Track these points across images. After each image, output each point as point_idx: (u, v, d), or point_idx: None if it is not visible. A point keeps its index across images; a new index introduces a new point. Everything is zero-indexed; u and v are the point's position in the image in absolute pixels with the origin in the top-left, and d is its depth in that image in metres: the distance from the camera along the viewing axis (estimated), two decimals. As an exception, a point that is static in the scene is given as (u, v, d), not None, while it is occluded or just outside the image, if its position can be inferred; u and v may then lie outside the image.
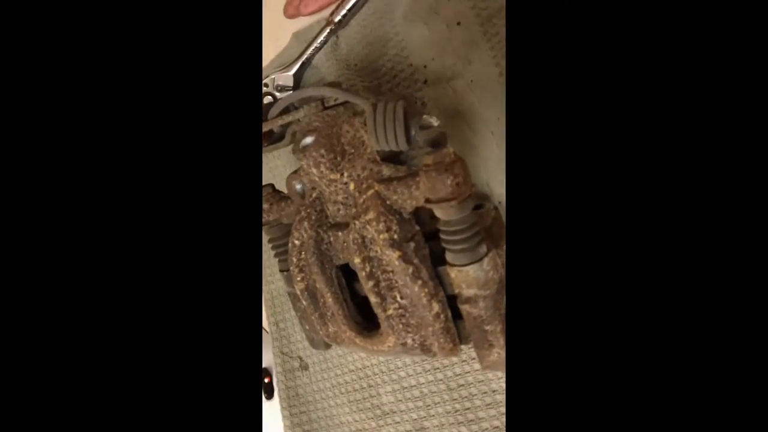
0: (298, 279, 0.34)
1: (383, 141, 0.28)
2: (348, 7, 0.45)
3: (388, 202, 0.29)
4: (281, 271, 0.37)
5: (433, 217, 0.29)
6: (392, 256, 0.28)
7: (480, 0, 0.37)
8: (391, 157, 0.30)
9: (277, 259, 0.38)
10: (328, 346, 0.39)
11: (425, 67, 0.40)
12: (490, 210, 0.34)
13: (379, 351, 0.32)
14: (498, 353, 0.29)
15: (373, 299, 0.30)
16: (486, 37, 0.37)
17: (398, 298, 0.30)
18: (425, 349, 0.31)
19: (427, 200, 0.27)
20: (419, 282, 0.28)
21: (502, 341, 0.29)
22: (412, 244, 0.29)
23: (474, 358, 0.37)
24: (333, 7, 0.46)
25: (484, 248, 0.28)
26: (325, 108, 0.31)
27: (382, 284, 0.30)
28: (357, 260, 0.29)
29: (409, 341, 0.31)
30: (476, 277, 0.27)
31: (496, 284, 0.28)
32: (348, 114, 0.30)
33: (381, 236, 0.28)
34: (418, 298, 0.28)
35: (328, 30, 0.46)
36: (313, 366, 0.47)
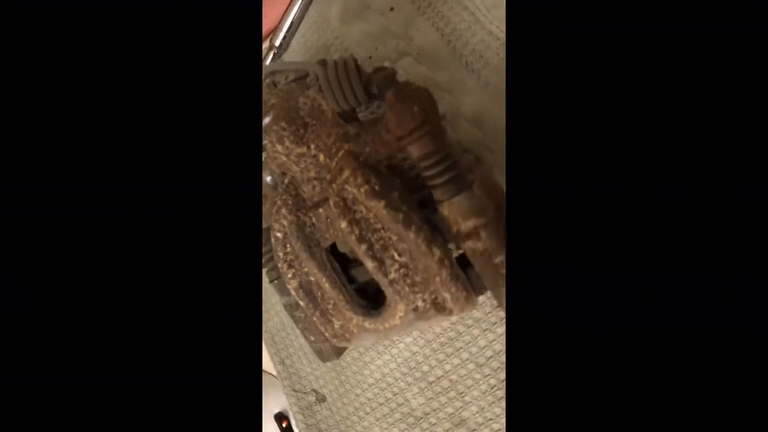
0: (290, 276, 0.32)
1: (341, 98, 0.27)
2: (285, 29, 0.46)
3: (361, 159, 0.28)
4: (271, 281, 0.35)
5: (413, 168, 0.28)
6: (378, 207, 0.26)
7: (406, -21, 0.39)
8: (354, 117, 0.29)
9: (267, 276, 0.35)
10: (339, 353, 0.35)
11: (370, 57, 0.41)
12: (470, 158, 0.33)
13: (393, 327, 0.30)
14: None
15: (370, 265, 0.28)
16: (420, 11, 0.38)
17: (396, 257, 0.28)
18: (439, 307, 0.28)
19: (399, 139, 0.26)
20: (413, 227, 0.26)
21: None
22: (395, 193, 0.27)
23: (495, 323, 0.34)
24: (271, 33, 0.47)
25: (469, 176, 0.26)
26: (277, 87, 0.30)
27: (376, 246, 0.28)
28: (343, 224, 0.28)
29: (420, 303, 0.28)
30: (470, 205, 0.26)
31: (493, 210, 0.26)
32: (301, 88, 0.30)
33: (362, 189, 0.27)
34: (416, 246, 0.27)
35: (271, 55, 0.47)
36: (330, 395, 0.43)
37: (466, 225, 0.26)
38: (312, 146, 0.29)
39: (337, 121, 0.29)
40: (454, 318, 0.29)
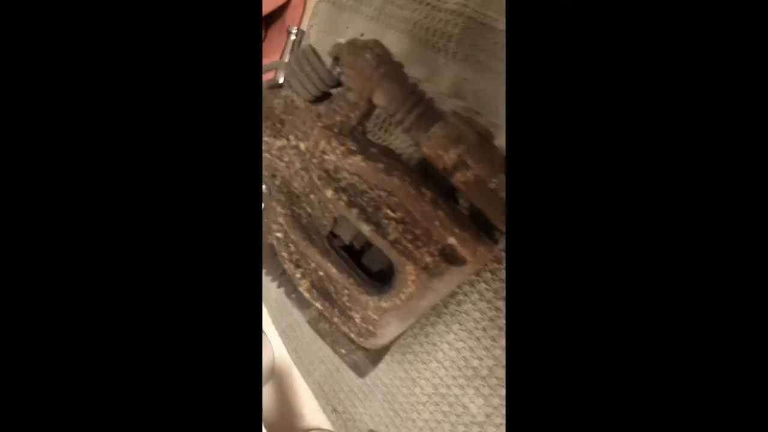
0: (299, 276, 0.30)
1: (310, 85, 0.28)
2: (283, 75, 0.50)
3: (335, 128, 0.28)
4: (289, 296, 0.33)
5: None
6: (356, 162, 0.26)
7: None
8: (325, 99, 0.30)
9: (283, 290, 0.34)
10: (374, 359, 0.32)
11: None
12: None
13: (410, 297, 0.27)
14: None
15: (366, 230, 0.27)
16: (385, 25, 0.41)
17: (390, 213, 0.26)
18: (449, 257, 0.26)
19: (362, 93, 0.26)
20: (396, 173, 0.25)
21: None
22: (374, 149, 0.27)
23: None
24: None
25: (440, 108, 0.26)
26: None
27: (368, 209, 0.27)
28: (329, 194, 0.27)
29: (428, 259, 0.26)
30: (447, 133, 0.25)
31: (474, 136, 0.25)
32: (274, 93, 0.31)
33: (338, 152, 0.26)
34: (405, 191, 0.25)
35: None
36: (388, 428, 0.38)
37: (450, 157, 0.25)
38: (291, 137, 0.30)
39: (309, 107, 0.30)
40: (472, 269, 0.26)
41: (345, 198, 0.27)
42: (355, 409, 0.41)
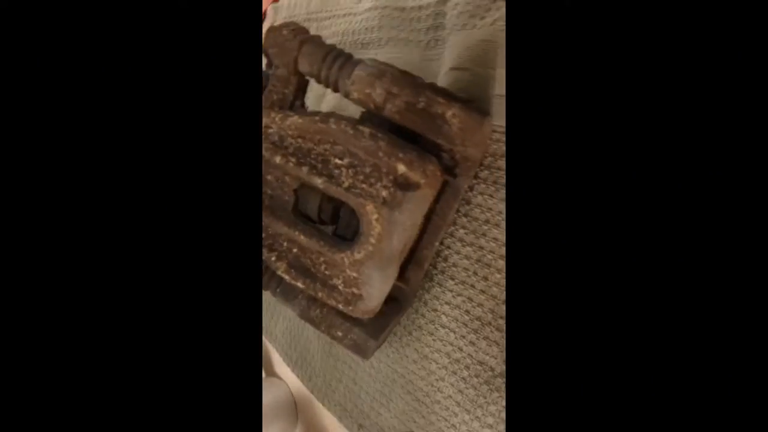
0: (274, 259, 0.31)
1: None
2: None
3: (277, 107, 0.30)
4: (274, 292, 0.33)
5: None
6: (294, 122, 0.27)
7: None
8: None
9: (269, 290, 0.34)
10: (373, 333, 0.31)
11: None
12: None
13: (380, 238, 0.27)
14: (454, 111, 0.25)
15: (320, 182, 0.27)
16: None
17: (338, 161, 0.27)
18: (403, 184, 0.26)
19: (287, 65, 0.28)
20: (332, 120, 0.27)
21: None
22: (308, 109, 0.28)
23: (504, 211, 0.31)
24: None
25: (357, 58, 0.28)
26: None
27: (318, 165, 0.28)
28: (278, 159, 0.28)
29: (384, 193, 0.27)
30: (368, 73, 0.27)
31: (393, 70, 0.27)
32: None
33: (276, 119, 0.28)
34: (346, 135, 0.26)
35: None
36: (417, 423, 0.36)
37: (377, 92, 0.26)
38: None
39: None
40: (428, 192, 0.27)
41: (293, 159, 0.28)
42: (379, 417, 0.38)
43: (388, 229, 0.27)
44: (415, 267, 0.35)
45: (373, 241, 0.27)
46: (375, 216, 0.27)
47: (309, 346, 0.46)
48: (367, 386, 0.40)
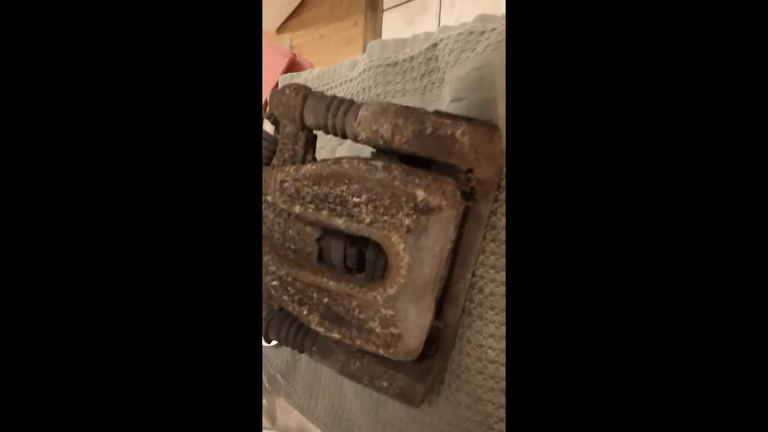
0: (306, 314, 0.30)
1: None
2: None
3: (289, 163, 0.30)
4: (310, 352, 0.32)
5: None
6: (308, 170, 0.28)
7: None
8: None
9: (302, 350, 0.33)
10: (419, 377, 0.29)
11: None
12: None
13: (409, 269, 0.26)
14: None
15: (342, 223, 0.27)
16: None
17: (356, 200, 0.27)
18: (425, 209, 0.26)
19: (293, 120, 0.30)
20: (344, 161, 0.27)
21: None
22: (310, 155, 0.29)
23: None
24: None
25: (360, 102, 0.29)
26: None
27: (337, 207, 0.28)
28: (297, 209, 0.28)
29: (407, 221, 0.26)
30: (374, 110, 0.28)
31: (393, 105, 0.28)
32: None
33: (292, 170, 0.29)
34: (360, 172, 0.27)
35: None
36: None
37: (384, 129, 0.27)
38: (268, 197, 0.32)
39: (265, 168, 0.33)
40: (451, 213, 0.26)
41: (312, 206, 0.28)
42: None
43: (417, 256, 0.26)
44: (450, 304, 0.33)
45: (403, 272, 0.27)
46: (401, 246, 0.26)
47: (354, 419, 0.43)
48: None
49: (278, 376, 0.51)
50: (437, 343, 0.33)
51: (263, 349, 0.53)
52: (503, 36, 0.30)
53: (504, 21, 0.31)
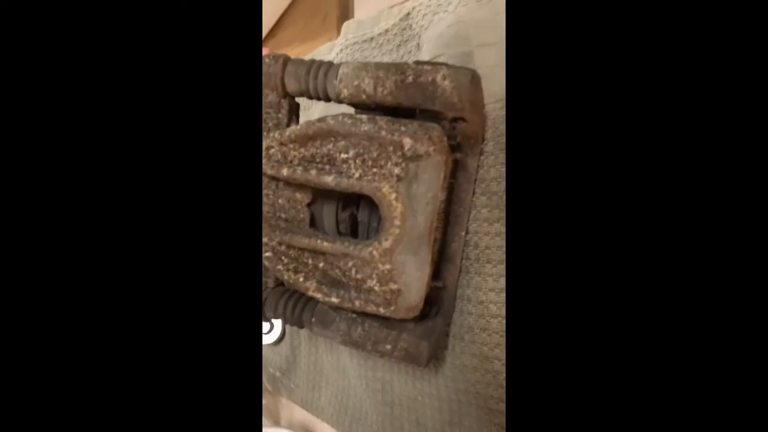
0: (302, 281, 0.29)
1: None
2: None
3: (274, 130, 0.30)
4: (309, 326, 0.31)
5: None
6: (292, 130, 0.28)
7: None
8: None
9: (302, 325, 0.32)
10: (424, 335, 0.29)
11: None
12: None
13: (403, 217, 0.26)
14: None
15: (332, 180, 0.27)
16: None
17: (343, 156, 0.27)
18: (414, 156, 0.26)
19: (275, 87, 0.30)
20: (328, 118, 0.27)
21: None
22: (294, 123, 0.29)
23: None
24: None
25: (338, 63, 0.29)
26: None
27: (327, 166, 0.28)
28: (285, 171, 0.28)
29: (396, 170, 0.26)
30: (354, 67, 0.28)
31: (373, 61, 0.28)
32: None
33: (276, 135, 0.28)
34: (345, 127, 0.27)
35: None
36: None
37: (366, 83, 0.27)
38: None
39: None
40: (439, 158, 0.26)
41: (300, 168, 0.28)
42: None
43: (410, 205, 0.26)
44: (447, 264, 0.33)
45: (397, 222, 0.26)
46: (393, 195, 0.26)
47: (360, 405, 0.42)
48: (433, 419, 0.35)
49: (278, 374, 0.49)
50: (438, 304, 0.33)
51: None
52: None
53: None
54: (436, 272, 0.33)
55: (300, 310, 0.31)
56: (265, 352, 0.51)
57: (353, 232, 0.31)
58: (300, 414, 0.48)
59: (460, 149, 0.30)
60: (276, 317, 0.32)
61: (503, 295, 0.31)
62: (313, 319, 0.31)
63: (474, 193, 0.32)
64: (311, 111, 0.46)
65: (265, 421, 0.50)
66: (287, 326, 0.49)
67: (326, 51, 0.44)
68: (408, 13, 0.36)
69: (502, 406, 0.31)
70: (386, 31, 0.37)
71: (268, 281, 0.33)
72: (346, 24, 0.41)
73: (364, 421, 0.41)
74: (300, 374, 0.48)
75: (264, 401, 0.52)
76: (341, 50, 0.41)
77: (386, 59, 0.38)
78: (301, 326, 0.32)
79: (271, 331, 0.49)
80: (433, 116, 0.28)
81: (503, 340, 0.31)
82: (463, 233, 0.32)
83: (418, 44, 0.35)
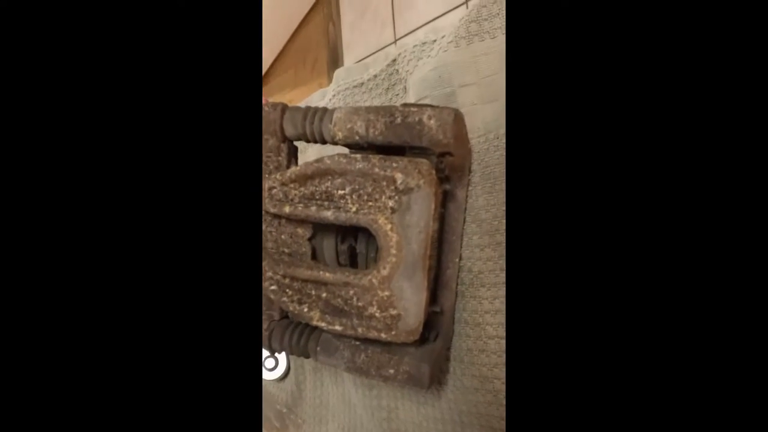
0: (307, 311, 0.31)
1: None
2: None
3: (275, 173, 0.33)
4: (314, 355, 0.32)
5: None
6: (293, 170, 0.30)
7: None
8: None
9: (307, 356, 0.33)
10: (425, 357, 0.30)
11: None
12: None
13: (398, 246, 0.28)
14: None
15: (331, 215, 0.29)
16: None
17: (340, 192, 0.29)
18: (405, 189, 0.28)
19: (274, 132, 0.32)
20: (325, 158, 0.30)
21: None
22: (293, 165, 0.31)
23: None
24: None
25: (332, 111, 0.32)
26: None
27: (324, 201, 0.30)
28: (288, 209, 0.30)
29: (391, 203, 0.28)
30: (347, 111, 0.30)
31: (363, 105, 0.31)
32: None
33: (278, 176, 0.31)
34: (340, 165, 0.29)
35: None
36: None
37: (358, 125, 0.30)
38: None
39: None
40: (429, 189, 0.28)
41: (301, 205, 0.30)
42: None
43: (405, 234, 0.28)
44: (444, 290, 0.35)
45: (393, 251, 0.28)
46: (389, 226, 0.28)
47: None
48: None
49: (285, 410, 0.50)
50: (437, 329, 0.34)
51: (266, 385, 0.52)
52: (452, 38, 0.34)
53: (452, 29, 0.35)
54: (434, 298, 0.34)
55: (305, 340, 0.33)
56: (270, 388, 0.52)
57: (352, 263, 0.33)
58: (308, 450, 0.49)
59: (448, 181, 0.33)
60: (282, 349, 0.34)
61: (499, 316, 0.32)
62: (318, 348, 0.32)
63: (465, 221, 0.34)
64: (307, 153, 0.48)
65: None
66: (292, 362, 0.50)
67: (319, 97, 0.47)
68: (394, 59, 0.39)
69: (503, 424, 0.32)
70: (375, 76, 0.41)
71: (273, 314, 0.34)
72: (336, 72, 0.44)
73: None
74: (306, 409, 0.49)
75: (272, 439, 0.52)
76: (333, 96, 0.44)
77: (376, 102, 0.41)
78: (306, 356, 0.33)
79: (276, 368, 0.50)
80: (422, 152, 0.30)
81: (502, 360, 0.32)
82: (457, 260, 0.34)
83: (405, 87, 0.38)
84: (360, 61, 1.54)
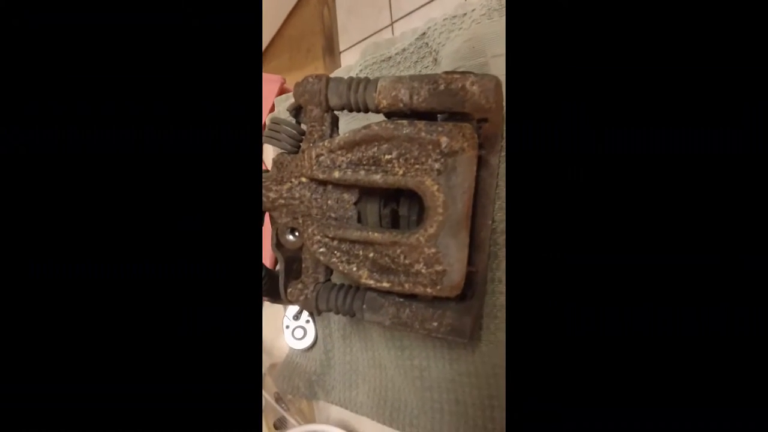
0: (356, 270, 0.33)
1: (288, 145, 0.36)
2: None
3: (318, 141, 0.34)
4: (360, 313, 0.34)
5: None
6: (342, 137, 0.32)
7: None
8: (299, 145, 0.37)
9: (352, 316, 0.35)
10: (466, 310, 0.32)
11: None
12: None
13: (444, 206, 0.30)
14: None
15: (379, 179, 0.31)
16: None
17: (388, 156, 0.31)
18: (451, 152, 0.30)
19: (319, 103, 0.34)
20: (373, 124, 0.31)
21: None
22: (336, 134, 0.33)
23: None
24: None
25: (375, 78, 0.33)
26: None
27: (372, 166, 0.31)
28: (337, 174, 0.32)
29: (437, 165, 0.30)
30: (392, 79, 0.32)
31: (407, 74, 0.32)
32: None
33: (326, 143, 0.32)
34: (388, 131, 0.31)
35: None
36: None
37: (402, 93, 0.31)
38: (293, 179, 0.36)
39: (294, 156, 0.37)
40: (472, 153, 0.30)
41: (350, 171, 0.32)
42: (498, 421, 0.37)
43: (451, 194, 0.30)
44: (477, 252, 0.37)
45: (440, 210, 0.30)
46: (435, 187, 0.30)
47: (399, 394, 0.45)
48: (472, 396, 0.39)
49: (314, 378, 0.52)
50: (473, 288, 0.36)
51: (295, 355, 0.54)
52: (484, 11, 0.36)
53: (483, 1, 0.36)
54: (469, 258, 0.36)
55: (351, 299, 0.35)
56: (298, 358, 0.54)
57: (393, 225, 0.35)
58: (337, 413, 0.51)
59: (482, 147, 0.35)
60: (328, 309, 0.35)
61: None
62: (364, 306, 0.34)
63: (497, 185, 0.36)
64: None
65: (302, 423, 0.52)
66: (320, 331, 0.52)
67: (344, 73, 0.49)
68: (424, 33, 0.40)
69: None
70: (403, 50, 0.42)
71: (318, 276, 0.36)
72: (364, 47, 0.45)
73: (404, 409, 0.44)
74: (335, 375, 0.51)
75: (300, 406, 0.54)
76: (360, 70, 0.46)
77: (405, 74, 0.43)
78: (352, 315, 0.35)
79: (305, 337, 0.52)
80: (461, 119, 0.32)
81: (534, 314, 0.34)
82: (490, 222, 0.36)
83: (435, 59, 0.40)
84: (355, 44, 1.55)
